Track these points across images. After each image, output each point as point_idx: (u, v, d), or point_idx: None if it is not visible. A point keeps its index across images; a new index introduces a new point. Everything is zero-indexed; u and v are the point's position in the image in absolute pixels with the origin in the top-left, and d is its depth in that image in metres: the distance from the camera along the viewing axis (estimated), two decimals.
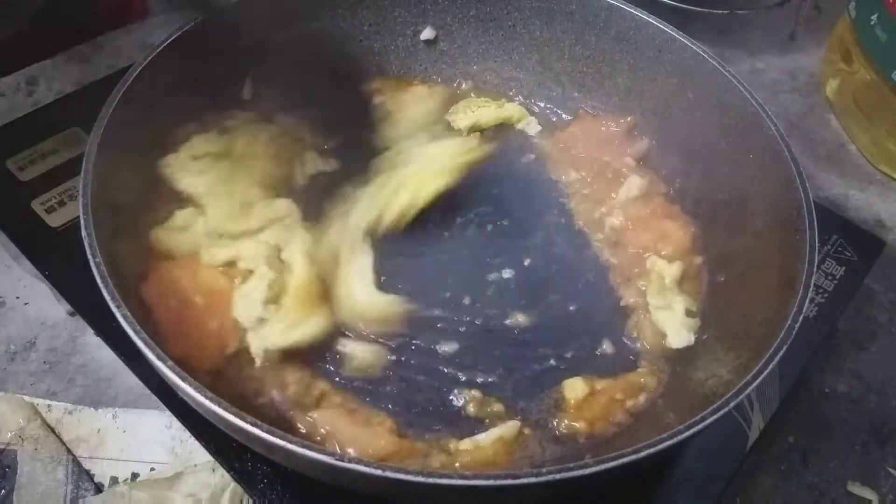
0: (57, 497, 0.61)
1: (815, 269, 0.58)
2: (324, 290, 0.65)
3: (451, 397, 0.62)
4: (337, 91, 0.78)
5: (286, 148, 0.76)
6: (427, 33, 0.86)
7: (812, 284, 0.57)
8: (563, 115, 0.87)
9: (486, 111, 0.84)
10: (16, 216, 0.73)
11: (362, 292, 0.65)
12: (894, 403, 0.74)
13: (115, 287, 0.51)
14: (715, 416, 0.49)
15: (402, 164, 0.74)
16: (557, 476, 0.45)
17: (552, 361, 0.66)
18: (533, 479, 0.44)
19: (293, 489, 0.58)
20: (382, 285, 0.67)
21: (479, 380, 0.64)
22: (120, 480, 0.62)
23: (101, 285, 0.51)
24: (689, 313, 0.68)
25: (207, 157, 0.71)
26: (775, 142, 0.67)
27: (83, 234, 0.53)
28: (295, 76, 0.75)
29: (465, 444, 0.58)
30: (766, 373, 0.51)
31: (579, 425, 0.61)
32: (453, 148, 0.76)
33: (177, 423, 0.62)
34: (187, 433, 0.61)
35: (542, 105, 0.88)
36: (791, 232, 0.62)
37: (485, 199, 0.77)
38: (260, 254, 0.65)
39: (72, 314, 0.72)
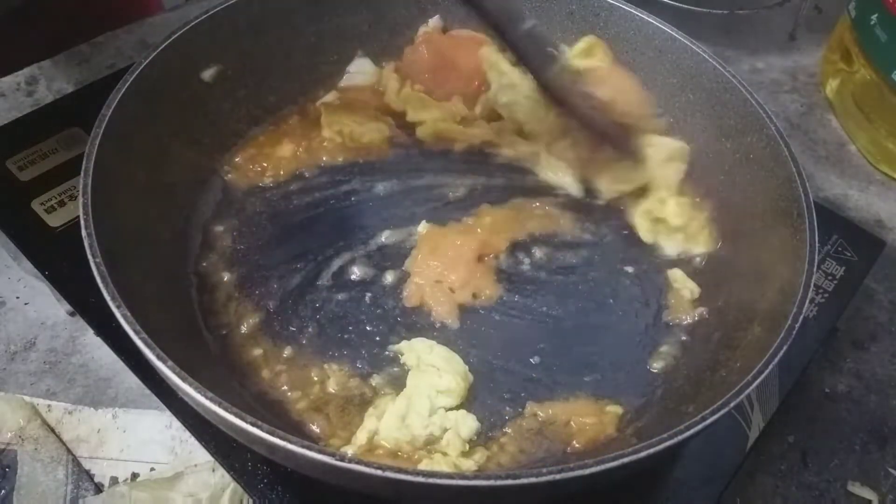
0: (57, 497, 0.61)
1: (815, 269, 0.58)
2: None
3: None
4: None
5: None
6: (434, 22, 0.85)
7: (812, 284, 0.57)
8: None
9: None
10: (16, 216, 0.73)
11: None
12: (894, 403, 0.74)
13: (115, 287, 0.51)
14: (715, 417, 0.49)
15: None
16: (558, 476, 0.45)
17: None
18: (533, 479, 0.44)
19: (293, 489, 0.58)
20: None
21: None
22: (120, 480, 0.62)
23: (101, 285, 0.51)
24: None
25: None
26: (775, 142, 0.67)
27: (83, 234, 0.53)
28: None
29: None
30: (766, 373, 0.51)
31: None
32: None
33: (177, 423, 0.62)
34: (187, 433, 0.61)
35: None
36: (791, 232, 0.62)
37: None
38: None
39: (72, 314, 0.72)
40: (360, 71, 0.85)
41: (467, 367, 0.63)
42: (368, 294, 0.69)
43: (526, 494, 0.47)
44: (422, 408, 0.59)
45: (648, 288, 0.72)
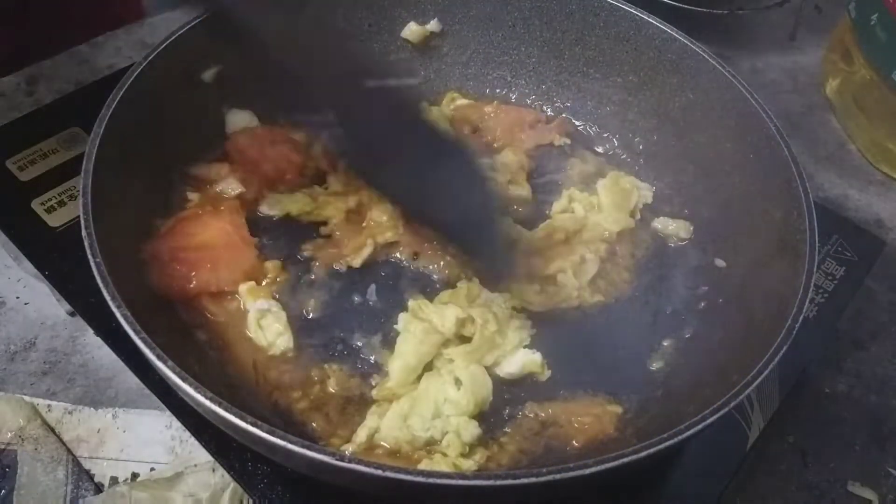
0: (57, 497, 0.61)
1: (815, 269, 0.58)
2: None
3: None
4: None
5: None
6: (433, 25, 0.85)
7: (812, 284, 0.57)
8: (564, 115, 0.87)
9: None
10: (16, 216, 0.73)
11: None
12: (894, 403, 0.74)
13: (115, 287, 0.51)
14: (715, 416, 0.49)
15: None
16: (557, 476, 0.45)
17: None
18: (533, 479, 0.44)
19: (293, 489, 0.58)
20: None
21: None
22: (120, 480, 0.62)
23: (101, 285, 0.51)
24: None
25: None
26: (775, 142, 0.67)
27: (83, 234, 0.53)
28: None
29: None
30: (766, 373, 0.51)
31: None
32: None
33: (177, 423, 0.62)
34: (187, 433, 0.61)
35: (543, 106, 0.88)
36: (791, 232, 0.62)
37: None
38: None
39: (72, 314, 0.72)
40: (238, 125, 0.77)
41: (492, 391, 0.63)
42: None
43: (526, 494, 0.47)
44: (426, 411, 0.59)
45: (648, 287, 0.72)
